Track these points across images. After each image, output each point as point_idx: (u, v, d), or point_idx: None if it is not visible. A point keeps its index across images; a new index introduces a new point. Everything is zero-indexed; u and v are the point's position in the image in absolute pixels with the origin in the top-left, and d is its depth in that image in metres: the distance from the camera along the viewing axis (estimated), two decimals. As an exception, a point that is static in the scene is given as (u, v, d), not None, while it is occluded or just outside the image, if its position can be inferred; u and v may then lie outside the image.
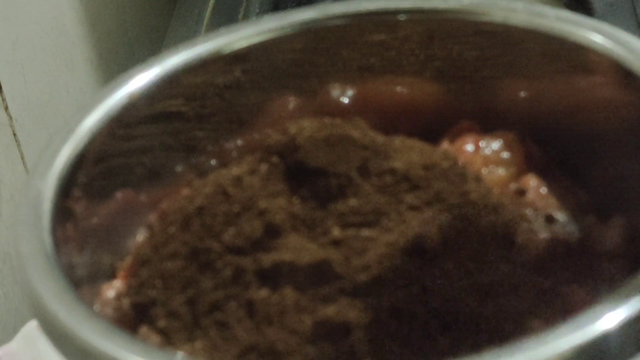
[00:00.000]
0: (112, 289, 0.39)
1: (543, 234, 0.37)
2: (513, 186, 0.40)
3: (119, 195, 0.42)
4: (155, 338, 0.35)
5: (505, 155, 0.41)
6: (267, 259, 0.35)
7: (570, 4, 0.71)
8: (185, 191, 0.42)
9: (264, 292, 0.34)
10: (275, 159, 0.38)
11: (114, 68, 0.83)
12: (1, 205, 0.64)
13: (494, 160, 0.41)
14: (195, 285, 0.36)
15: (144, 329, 0.36)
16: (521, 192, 0.39)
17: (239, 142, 0.46)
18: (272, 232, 0.36)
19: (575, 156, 0.42)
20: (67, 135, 0.39)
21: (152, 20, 0.93)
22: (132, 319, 0.37)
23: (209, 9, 0.87)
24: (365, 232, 0.36)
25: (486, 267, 0.34)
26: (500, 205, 0.37)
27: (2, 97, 0.66)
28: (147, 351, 0.30)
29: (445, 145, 0.42)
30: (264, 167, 0.38)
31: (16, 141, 0.67)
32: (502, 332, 0.33)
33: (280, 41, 0.44)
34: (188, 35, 0.70)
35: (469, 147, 0.41)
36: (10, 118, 0.67)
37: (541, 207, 0.39)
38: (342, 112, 0.45)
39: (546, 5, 0.42)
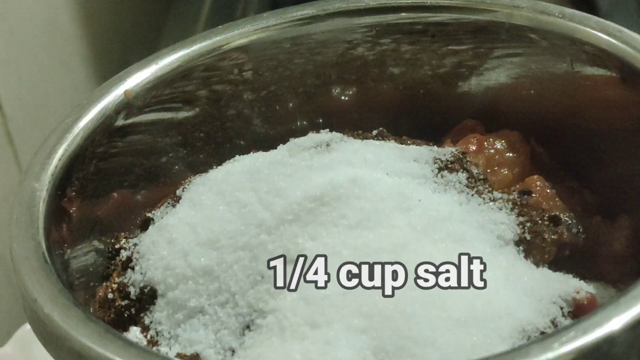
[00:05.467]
0: (107, 291, 0.39)
1: (549, 236, 0.37)
2: (518, 187, 0.39)
3: (115, 195, 0.41)
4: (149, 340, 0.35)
5: (510, 155, 0.41)
6: None
7: (575, 1, 0.71)
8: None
9: None
10: None
11: (110, 66, 0.83)
12: (-5, 206, 0.64)
13: (498, 161, 0.40)
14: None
15: (137, 331, 0.36)
16: (526, 193, 0.39)
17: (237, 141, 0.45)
18: None
19: (580, 156, 0.42)
20: (62, 134, 0.39)
21: (148, 17, 0.93)
22: (127, 321, 0.37)
23: (207, 6, 0.86)
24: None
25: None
26: (505, 206, 0.36)
27: (-5, 95, 0.66)
28: (142, 355, 0.30)
29: (448, 144, 0.42)
30: None
31: (10, 140, 0.67)
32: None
33: (280, 39, 0.44)
34: (185, 34, 0.69)
35: (473, 147, 0.40)
36: (4, 117, 0.66)
37: (546, 209, 0.38)
38: (342, 111, 0.44)
39: (550, 2, 0.42)
